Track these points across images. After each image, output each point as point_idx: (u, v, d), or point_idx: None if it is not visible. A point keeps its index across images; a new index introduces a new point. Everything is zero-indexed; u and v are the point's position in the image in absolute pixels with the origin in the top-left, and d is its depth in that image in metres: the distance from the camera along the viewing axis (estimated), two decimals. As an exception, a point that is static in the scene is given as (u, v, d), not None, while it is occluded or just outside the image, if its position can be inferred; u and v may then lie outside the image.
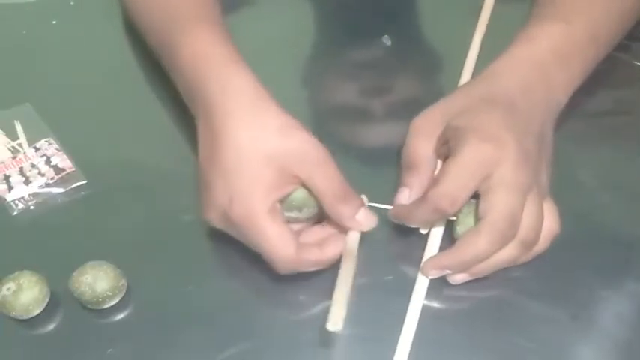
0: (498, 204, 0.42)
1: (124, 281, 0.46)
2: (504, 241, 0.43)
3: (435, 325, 0.45)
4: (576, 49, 0.51)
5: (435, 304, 0.46)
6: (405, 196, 0.47)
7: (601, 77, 0.55)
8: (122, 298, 0.46)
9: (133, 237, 0.50)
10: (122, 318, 0.46)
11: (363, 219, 0.45)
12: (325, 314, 0.45)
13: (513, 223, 0.42)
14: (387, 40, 0.64)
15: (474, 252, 0.43)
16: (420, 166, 0.47)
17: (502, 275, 0.47)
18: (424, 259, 0.46)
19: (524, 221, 0.43)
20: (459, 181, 0.43)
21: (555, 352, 0.44)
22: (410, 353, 0.44)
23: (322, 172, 0.44)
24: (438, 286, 0.46)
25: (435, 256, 0.46)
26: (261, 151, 0.43)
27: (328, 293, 0.45)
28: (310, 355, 0.44)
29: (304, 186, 0.44)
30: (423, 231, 0.48)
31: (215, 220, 0.45)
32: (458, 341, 0.44)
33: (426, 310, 0.45)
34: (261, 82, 0.46)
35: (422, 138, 0.47)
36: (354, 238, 0.45)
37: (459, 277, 0.45)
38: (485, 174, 0.43)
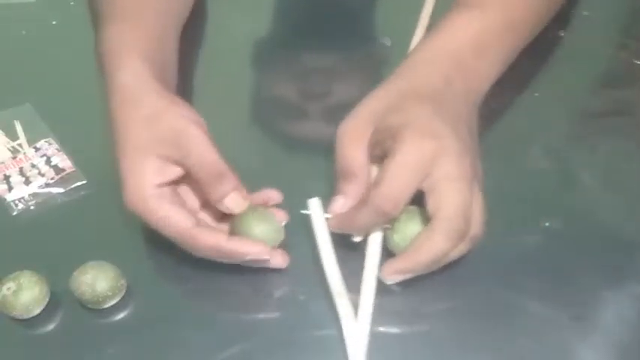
0: (449, 198, 0.41)
1: (123, 281, 0.46)
2: (461, 236, 0.42)
3: (435, 325, 0.45)
4: (492, 37, 0.51)
5: (436, 304, 0.46)
6: (340, 204, 0.45)
7: (601, 77, 0.56)
8: (122, 298, 0.46)
9: (133, 237, 0.50)
10: (122, 318, 0.46)
11: (231, 204, 0.45)
12: (325, 315, 0.45)
13: (467, 217, 0.42)
14: (387, 41, 0.64)
15: (433, 252, 0.42)
16: (354, 173, 0.45)
17: (501, 275, 0.47)
18: (366, 266, 0.45)
19: (473, 214, 0.42)
20: (401, 180, 0.42)
21: (555, 352, 0.44)
22: (411, 354, 0.44)
23: (195, 150, 0.44)
24: (437, 285, 0.46)
25: (392, 260, 0.44)
26: (135, 145, 0.45)
27: (328, 294, 0.46)
28: (310, 355, 0.44)
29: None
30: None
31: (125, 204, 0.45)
32: (458, 341, 0.44)
33: (426, 310, 0.46)
34: (146, 68, 0.47)
35: (352, 144, 0.46)
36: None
37: (396, 277, 0.44)
38: (427, 170, 0.42)
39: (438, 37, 0.50)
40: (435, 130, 0.43)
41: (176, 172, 0.45)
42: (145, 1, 0.54)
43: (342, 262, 0.45)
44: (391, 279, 0.44)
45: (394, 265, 0.43)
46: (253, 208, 0.46)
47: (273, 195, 0.47)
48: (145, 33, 0.50)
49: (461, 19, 0.51)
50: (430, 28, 0.63)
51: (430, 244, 0.42)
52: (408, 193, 0.42)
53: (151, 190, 0.44)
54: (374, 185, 0.43)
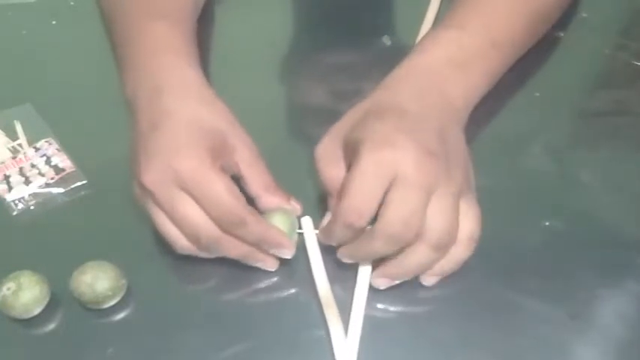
0: (391, 204, 0.42)
1: (124, 281, 0.46)
2: (399, 241, 0.42)
3: (433, 323, 0.45)
4: (474, 53, 0.51)
5: (435, 302, 0.46)
6: (326, 221, 0.47)
7: (601, 77, 0.56)
8: (122, 298, 0.46)
9: (133, 237, 0.50)
10: (122, 318, 0.46)
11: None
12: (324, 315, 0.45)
13: (408, 223, 0.41)
14: (387, 40, 0.64)
15: (370, 251, 0.43)
16: (335, 191, 0.46)
17: (501, 274, 0.47)
18: (357, 286, 0.46)
19: (431, 221, 0.42)
20: (361, 191, 0.42)
21: (555, 352, 0.44)
22: (410, 353, 0.44)
23: (258, 165, 0.47)
24: (436, 283, 0.46)
25: (340, 249, 0.46)
26: (212, 127, 0.46)
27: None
28: (310, 355, 0.44)
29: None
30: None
31: (151, 182, 0.44)
32: (457, 339, 0.45)
33: (426, 310, 0.46)
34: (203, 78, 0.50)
35: (329, 165, 0.47)
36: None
37: (380, 282, 0.45)
38: (387, 179, 0.42)
39: (418, 55, 0.50)
40: (391, 140, 0.43)
41: (225, 161, 0.46)
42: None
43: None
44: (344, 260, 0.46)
45: (340, 252, 0.46)
46: (278, 212, 0.47)
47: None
48: (184, 33, 0.53)
49: (440, 37, 0.51)
50: (436, 24, 0.63)
51: (368, 244, 0.43)
52: (370, 203, 0.42)
53: (213, 161, 0.44)
54: (337, 200, 0.44)
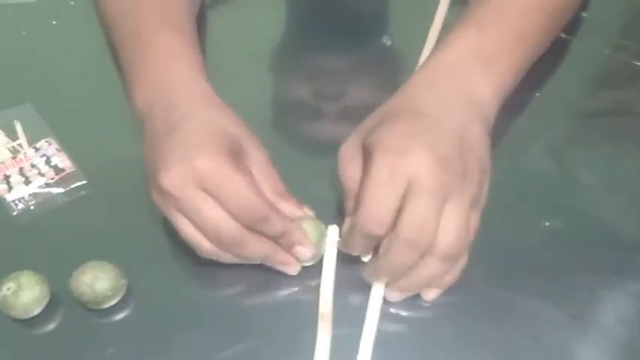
0: (406, 211, 0.41)
1: (124, 281, 0.46)
2: (416, 248, 0.42)
3: (434, 323, 0.45)
4: (498, 50, 0.50)
5: (435, 302, 0.46)
6: (347, 225, 0.47)
7: (601, 77, 0.56)
8: (122, 298, 0.46)
9: (133, 237, 0.50)
10: (122, 318, 0.46)
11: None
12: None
13: (423, 231, 0.41)
14: (387, 40, 0.64)
15: (390, 263, 0.43)
16: (354, 190, 0.46)
17: (501, 274, 0.47)
18: (369, 308, 0.46)
19: (440, 232, 0.41)
20: (376, 200, 0.42)
21: (555, 352, 0.44)
22: (411, 352, 0.44)
23: (270, 170, 0.48)
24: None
25: (366, 264, 0.46)
26: (227, 132, 0.46)
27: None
28: (310, 355, 0.44)
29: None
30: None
31: (172, 185, 0.43)
32: (457, 339, 0.45)
33: (424, 308, 0.46)
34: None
35: (349, 165, 0.46)
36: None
37: (393, 295, 0.45)
38: (401, 185, 0.41)
39: (436, 54, 0.50)
40: (404, 146, 0.42)
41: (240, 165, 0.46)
42: (183, 7, 0.57)
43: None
44: (369, 280, 0.46)
45: (367, 267, 0.46)
46: (307, 219, 0.47)
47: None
48: (192, 43, 0.53)
49: (461, 35, 0.51)
50: (444, 27, 0.63)
51: (385, 254, 0.43)
52: (388, 210, 0.42)
53: (231, 161, 0.44)
54: (356, 208, 0.43)
